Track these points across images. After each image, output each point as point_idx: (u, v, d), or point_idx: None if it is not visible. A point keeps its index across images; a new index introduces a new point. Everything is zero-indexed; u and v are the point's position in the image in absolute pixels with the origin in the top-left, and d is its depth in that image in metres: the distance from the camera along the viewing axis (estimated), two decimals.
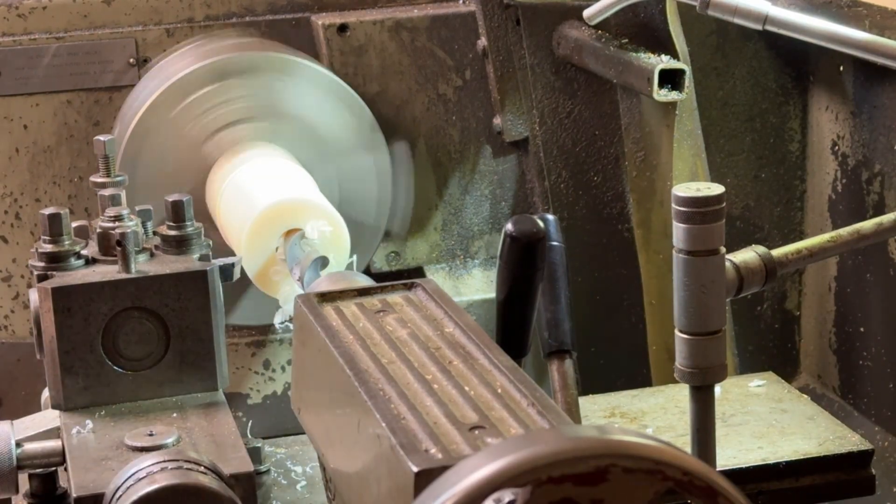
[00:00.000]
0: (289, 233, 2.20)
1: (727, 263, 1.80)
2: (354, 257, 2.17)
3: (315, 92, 2.63)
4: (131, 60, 2.74)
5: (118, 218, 1.83)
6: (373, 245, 2.74)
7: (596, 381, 2.75)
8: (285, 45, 2.75)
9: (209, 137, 2.59)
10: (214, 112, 2.59)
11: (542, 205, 2.83)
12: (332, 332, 1.52)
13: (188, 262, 1.79)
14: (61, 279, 1.75)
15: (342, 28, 2.77)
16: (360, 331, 1.53)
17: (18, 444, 1.66)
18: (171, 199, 1.85)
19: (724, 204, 1.76)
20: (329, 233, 2.16)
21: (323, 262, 2.04)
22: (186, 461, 1.52)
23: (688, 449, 1.81)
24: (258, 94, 2.61)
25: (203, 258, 1.82)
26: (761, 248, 1.86)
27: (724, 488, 1.07)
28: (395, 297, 1.62)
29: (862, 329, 2.61)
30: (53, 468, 1.69)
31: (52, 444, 1.68)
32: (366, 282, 1.78)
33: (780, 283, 2.83)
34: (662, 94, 2.46)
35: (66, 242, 1.80)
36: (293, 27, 2.79)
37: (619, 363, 2.85)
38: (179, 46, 2.74)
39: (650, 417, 2.14)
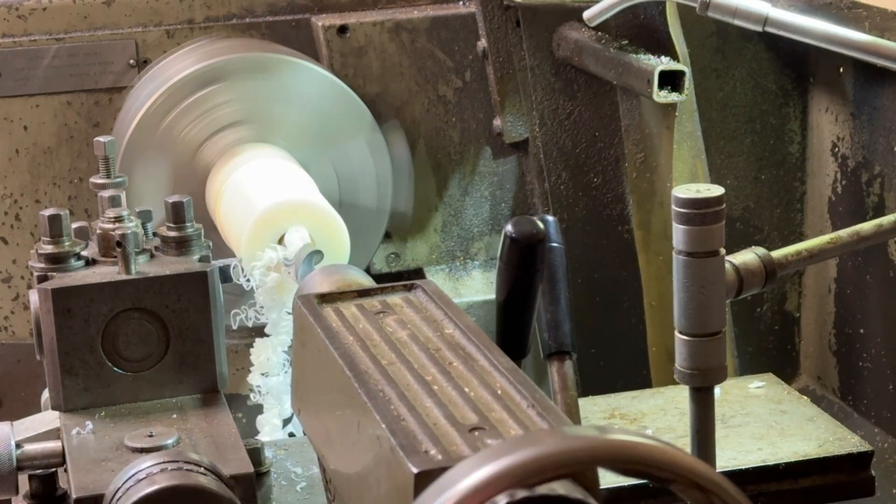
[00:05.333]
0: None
1: (727, 265, 1.80)
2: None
3: (315, 93, 2.63)
4: (131, 62, 2.74)
5: (118, 219, 1.83)
6: (372, 246, 2.74)
7: (596, 382, 2.75)
8: (285, 46, 2.76)
9: (209, 138, 2.59)
10: (214, 113, 2.59)
11: (541, 206, 2.84)
12: (331, 334, 1.52)
13: (188, 264, 1.79)
14: (61, 280, 1.75)
15: (342, 29, 2.77)
16: (360, 332, 1.53)
17: (18, 445, 1.66)
18: (170, 201, 1.85)
19: (724, 205, 1.76)
20: (311, 238, 2.16)
21: (317, 255, 2.04)
22: (186, 462, 1.52)
23: (688, 450, 1.81)
24: (258, 95, 2.61)
25: (203, 259, 1.82)
26: (761, 250, 1.86)
27: (724, 489, 1.07)
28: (395, 299, 1.62)
29: (862, 330, 2.61)
30: (53, 469, 1.69)
31: (52, 445, 1.68)
32: (359, 275, 1.78)
33: (780, 284, 2.83)
34: (662, 96, 2.46)
35: (67, 243, 1.80)
36: (293, 28, 2.79)
37: (619, 364, 2.84)
38: (179, 47, 2.74)
39: (650, 419, 2.14)
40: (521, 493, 1.06)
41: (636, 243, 2.78)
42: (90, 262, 1.81)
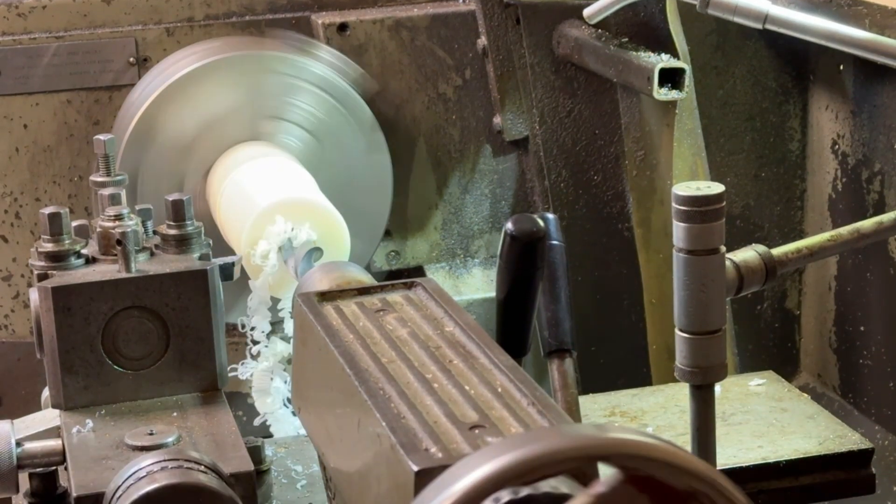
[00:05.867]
0: None
1: (727, 262, 1.80)
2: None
3: (315, 91, 2.63)
4: (131, 60, 2.74)
5: (118, 217, 1.83)
6: (373, 244, 2.74)
7: (596, 380, 2.75)
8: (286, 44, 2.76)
9: (209, 137, 2.59)
10: (214, 111, 2.59)
11: (542, 204, 2.84)
12: (332, 332, 1.52)
13: (188, 262, 1.79)
14: (61, 278, 1.75)
15: (342, 27, 2.77)
16: (361, 330, 1.53)
17: (18, 444, 1.66)
18: (171, 199, 1.85)
19: (724, 203, 1.76)
20: (297, 235, 2.16)
21: (317, 253, 2.04)
22: (186, 460, 1.52)
23: (688, 448, 1.82)
24: (258, 93, 2.61)
25: (203, 257, 1.82)
26: (761, 247, 1.86)
27: (723, 486, 1.07)
28: (396, 297, 1.62)
29: (862, 328, 2.61)
30: (53, 467, 1.69)
31: (53, 443, 1.68)
32: (359, 272, 1.78)
33: (780, 282, 2.83)
34: (662, 93, 2.46)
35: (67, 242, 1.80)
36: (293, 26, 2.79)
37: (620, 362, 2.84)
38: (180, 46, 2.74)
39: (650, 416, 2.14)
40: (525, 491, 1.06)
41: (636, 241, 2.78)
42: (90, 261, 1.81)
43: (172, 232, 1.84)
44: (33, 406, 1.92)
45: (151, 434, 1.64)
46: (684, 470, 1.06)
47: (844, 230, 1.96)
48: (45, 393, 1.84)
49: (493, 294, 2.65)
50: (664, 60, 2.47)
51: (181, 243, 1.83)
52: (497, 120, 2.83)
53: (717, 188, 1.75)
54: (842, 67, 2.59)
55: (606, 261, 2.86)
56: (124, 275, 1.74)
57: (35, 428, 1.75)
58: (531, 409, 1.32)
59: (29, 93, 2.74)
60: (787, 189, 2.83)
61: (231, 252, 2.31)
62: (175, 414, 1.73)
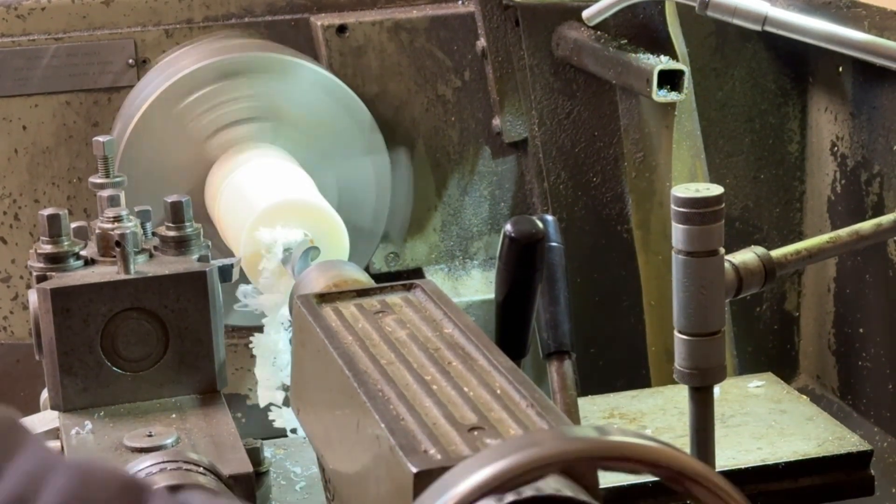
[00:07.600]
0: None
1: (726, 264, 1.80)
2: None
3: (314, 93, 2.63)
4: (130, 61, 2.74)
5: (117, 219, 1.83)
6: (372, 246, 2.74)
7: (595, 382, 2.75)
8: (284, 45, 2.75)
9: (208, 138, 2.59)
10: (213, 112, 2.59)
11: (541, 206, 2.83)
12: (331, 333, 1.52)
13: (187, 263, 1.79)
14: (60, 280, 1.75)
15: (341, 29, 2.77)
16: (360, 331, 1.53)
17: None
18: (170, 200, 1.85)
19: (724, 205, 1.76)
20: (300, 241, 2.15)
21: (314, 251, 2.04)
22: (185, 462, 1.52)
23: (687, 450, 1.81)
24: (257, 94, 2.61)
25: (202, 259, 1.82)
26: (760, 249, 1.86)
27: (723, 489, 1.07)
28: (395, 298, 1.62)
29: (861, 330, 2.61)
30: None
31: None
32: (356, 271, 1.78)
33: (780, 283, 2.83)
34: (661, 95, 2.45)
35: (66, 243, 1.80)
36: (292, 28, 2.79)
37: (619, 364, 2.84)
38: (180, 47, 2.74)
39: (649, 418, 2.14)
40: (528, 492, 1.06)
41: (635, 243, 2.77)
42: (89, 262, 1.81)
43: (171, 233, 1.84)
44: (32, 408, 1.92)
45: (150, 436, 1.64)
46: (683, 472, 1.06)
47: (843, 232, 1.96)
48: (44, 395, 1.84)
49: (492, 296, 2.64)
50: (663, 62, 2.47)
51: (180, 245, 1.84)
52: (496, 122, 2.82)
53: (716, 190, 1.75)
54: (841, 69, 2.59)
55: (605, 263, 2.86)
56: (123, 276, 1.74)
57: (34, 430, 1.75)
58: (530, 411, 1.32)
59: (28, 94, 2.74)
60: (786, 191, 2.83)
61: (230, 254, 2.31)
62: (174, 415, 1.73)
